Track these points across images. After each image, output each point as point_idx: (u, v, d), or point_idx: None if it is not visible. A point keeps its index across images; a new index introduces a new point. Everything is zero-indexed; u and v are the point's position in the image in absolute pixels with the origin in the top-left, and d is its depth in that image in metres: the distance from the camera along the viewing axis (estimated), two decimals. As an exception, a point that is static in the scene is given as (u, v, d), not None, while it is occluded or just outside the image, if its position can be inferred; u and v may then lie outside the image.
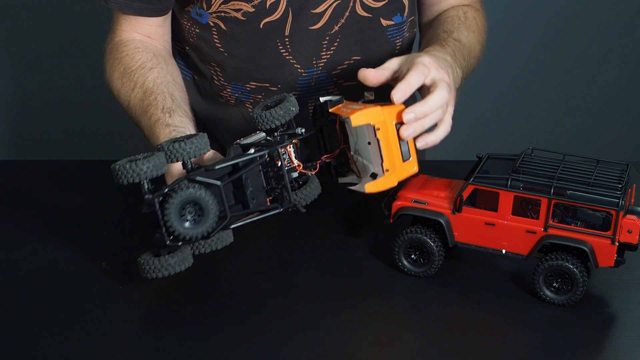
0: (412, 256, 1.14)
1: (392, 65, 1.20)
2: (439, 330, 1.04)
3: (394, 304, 1.11)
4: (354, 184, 1.16)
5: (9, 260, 1.19)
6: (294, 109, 1.13)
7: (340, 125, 1.15)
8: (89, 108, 2.66)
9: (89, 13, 2.51)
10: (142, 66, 1.36)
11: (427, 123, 1.15)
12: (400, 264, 1.15)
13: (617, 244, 1.06)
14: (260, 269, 1.17)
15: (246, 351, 1.00)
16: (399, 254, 1.14)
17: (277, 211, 1.11)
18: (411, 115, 1.12)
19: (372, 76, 1.18)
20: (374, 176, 1.12)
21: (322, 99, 1.17)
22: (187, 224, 1.02)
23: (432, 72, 1.17)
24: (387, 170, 1.11)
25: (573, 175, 1.09)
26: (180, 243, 1.04)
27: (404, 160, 1.13)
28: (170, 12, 1.43)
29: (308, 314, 1.07)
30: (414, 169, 1.15)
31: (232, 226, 1.09)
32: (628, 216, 1.07)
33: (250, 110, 1.48)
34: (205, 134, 1.09)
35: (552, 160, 1.14)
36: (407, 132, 1.12)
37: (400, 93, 1.13)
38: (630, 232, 1.06)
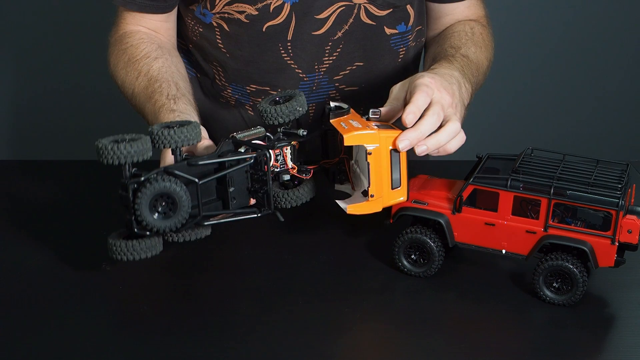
0: (412, 256, 1.14)
1: (398, 94, 1.18)
2: (439, 330, 1.04)
3: (394, 304, 1.11)
4: (348, 196, 1.16)
5: (8, 260, 1.19)
6: (300, 108, 1.12)
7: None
8: (90, 108, 2.66)
9: (90, 15, 2.51)
10: (146, 55, 1.36)
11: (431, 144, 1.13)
12: (400, 264, 1.15)
13: (617, 244, 1.06)
14: (260, 268, 1.17)
15: (245, 350, 1.00)
16: (399, 254, 1.14)
17: (253, 215, 1.10)
18: (406, 143, 1.09)
19: (387, 115, 1.16)
20: (365, 194, 1.11)
21: (332, 104, 1.15)
22: (156, 216, 1.01)
23: (435, 92, 1.14)
24: (372, 196, 1.10)
25: (573, 175, 1.09)
26: (147, 233, 1.04)
27: (392, 188, 1.11)
28: (175, 9, 1.43)
29: (307, 313, 1.07)
30: (402, 198, 1.12)
31: (207, 223, 1.08)
32: (628, 216, 1.07)
33: (250, 112, 1.48)
34: (199, 123, 1.08)
35: (552, 160, 1.14)
36: (420, 149, 1.10)
37: (411, 116, 1.10)
38: (630, 232, 1.06)
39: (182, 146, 1.04)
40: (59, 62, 2.62)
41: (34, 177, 1.46)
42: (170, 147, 1.03)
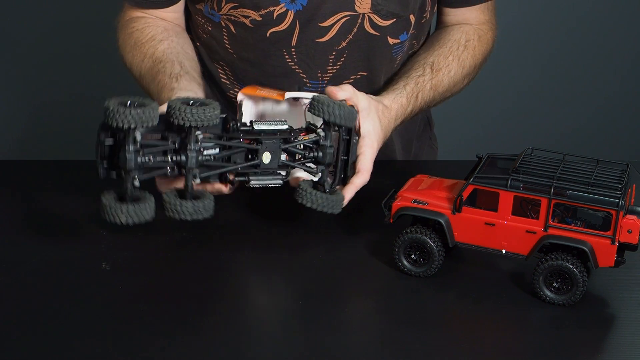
0: (412, 256, 1.14)
1: (348, 93, 1.22)
2: (439, 330, 1.04)
3: (394, 304, 1.11)
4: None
5: (9, 260, 1.19)
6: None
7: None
8: (89, 108, 2.66)
9: (91, 15, 2.51)
10: (152, 38, 1.39)
11: None
12: (400, 264, 1.15)
13: (617, 244, 1.06)
14: (260, 268, 1.17)
15: (245, 351, 1.00)
16: (399, 254, 1.14)
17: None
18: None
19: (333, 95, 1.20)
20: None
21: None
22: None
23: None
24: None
25: (573, 175, 1.09)
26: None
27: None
28: (181, 4, 1.44)
29: (308, 313, 1.07)
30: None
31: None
32: (628, 216, 1.07)
33: None
34: (218, 104, 1.06)
35: (552, 160, 1.14)
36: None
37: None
38: (630, 232, 1.06)
39: (200, 125, 1.03)
40: (60, 63, 2.62)
41: (34, 177, 1.46)
42: (190, 124, 1.03)
